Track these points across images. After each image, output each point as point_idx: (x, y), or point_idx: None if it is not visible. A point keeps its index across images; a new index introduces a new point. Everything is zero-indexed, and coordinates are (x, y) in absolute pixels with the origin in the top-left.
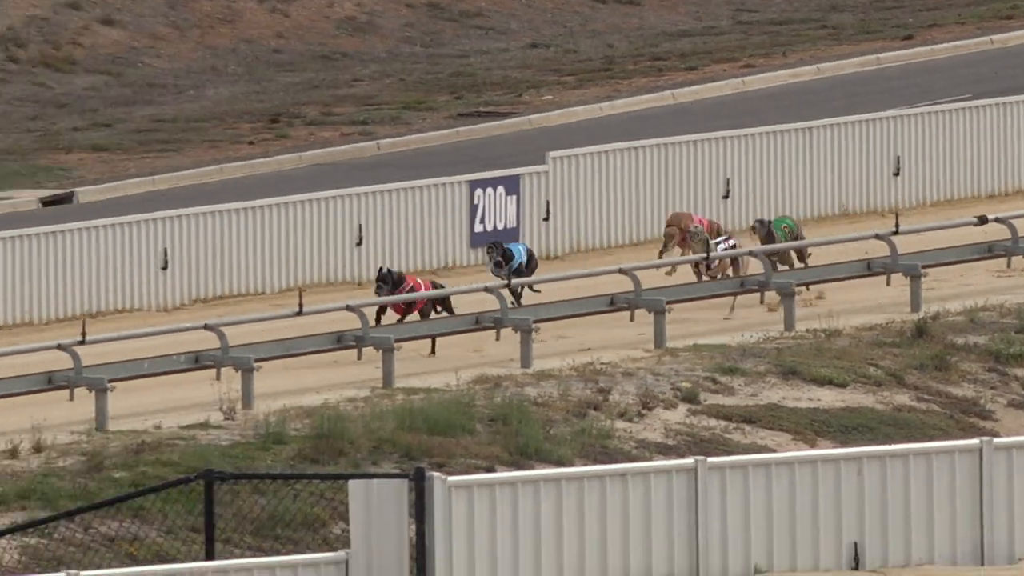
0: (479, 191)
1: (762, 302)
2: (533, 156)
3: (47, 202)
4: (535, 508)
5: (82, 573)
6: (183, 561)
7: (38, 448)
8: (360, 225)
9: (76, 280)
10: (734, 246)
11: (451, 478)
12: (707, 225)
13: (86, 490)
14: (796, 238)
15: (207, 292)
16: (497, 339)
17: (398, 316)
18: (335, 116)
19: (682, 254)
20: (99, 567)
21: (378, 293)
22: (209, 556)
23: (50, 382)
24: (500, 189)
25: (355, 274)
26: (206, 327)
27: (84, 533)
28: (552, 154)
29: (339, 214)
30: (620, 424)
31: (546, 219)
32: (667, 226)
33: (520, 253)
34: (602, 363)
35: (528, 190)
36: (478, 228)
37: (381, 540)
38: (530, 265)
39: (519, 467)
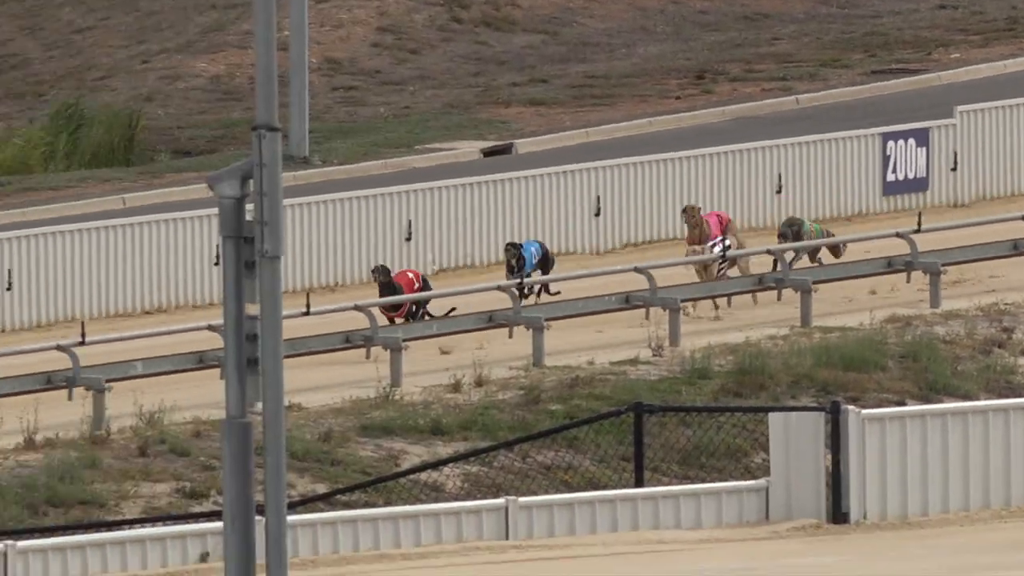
0: (891, 143)
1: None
2: (941, 110)
3: (488, 153)
4: (943, 440)
5: (520, 499)
6: (614, 488)
7: (479, 383)
8: (779, 175)
9: (513, 225)
10: (729, 247)
11: (865, 411)
12: (719, 221)
13: (524, 422)
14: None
15: (637, 237)
16: (908, 281)
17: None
18: (756, 73)
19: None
20: (535, 494)
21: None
22: (639, 483)
23: (490, 319)
24: (911, 141)
25: (773, 221)
26: (636, 270)
27: (522, 462)
28: (960, 108)
29: (759, 165)
30: (1023, 361)
31: (954, 169)
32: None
33: (531, 255)
34: (1006, 303)
35: (937, 142)
36: (890, 178)
37: (799, 469)
38: (545, 264)
39: (928, 401)
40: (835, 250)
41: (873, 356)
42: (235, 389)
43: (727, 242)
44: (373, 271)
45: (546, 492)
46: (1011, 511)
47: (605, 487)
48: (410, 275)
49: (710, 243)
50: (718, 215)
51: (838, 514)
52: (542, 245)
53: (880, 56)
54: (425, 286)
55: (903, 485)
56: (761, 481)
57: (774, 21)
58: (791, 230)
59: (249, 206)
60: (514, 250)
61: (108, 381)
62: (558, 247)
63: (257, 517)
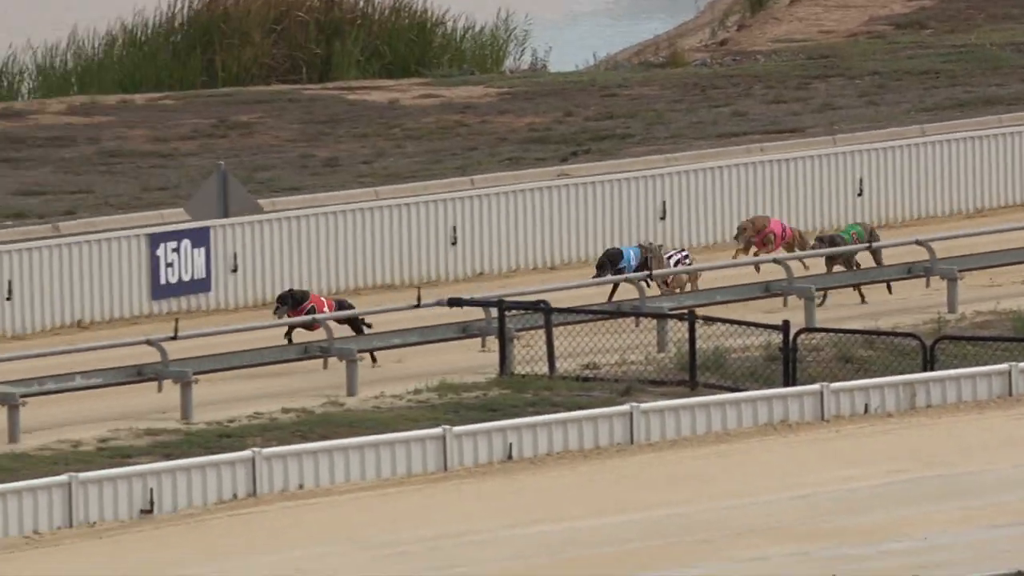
0: None
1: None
2: None
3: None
4: None
5: None
6: None
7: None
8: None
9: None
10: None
11: None
12: (784, 234)
13: None
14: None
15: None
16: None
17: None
18: None
19: (755, 255)
20: None
21: (276, 314)
22: None
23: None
24: None
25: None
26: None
27: None
28: None
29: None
30: None
31: None
32: (742, 230)
33: (630, 257)
34: None
35: None
36: None
37: None
38: (642, 267)
39: None
40: (877, 255)
41: None
42: None
43: (686, 256)
44: (278, 298)
45: None
46: None
47: None
48: (323, 299)
49: (668, 255)
50: (784, 227)
51: None
52: (642, 248)
53: None
54: (340, 309)
55: None
56: None
57: None
58: (822, 244)
59: None
60: (610, 252)
61: None
62: None
63: None
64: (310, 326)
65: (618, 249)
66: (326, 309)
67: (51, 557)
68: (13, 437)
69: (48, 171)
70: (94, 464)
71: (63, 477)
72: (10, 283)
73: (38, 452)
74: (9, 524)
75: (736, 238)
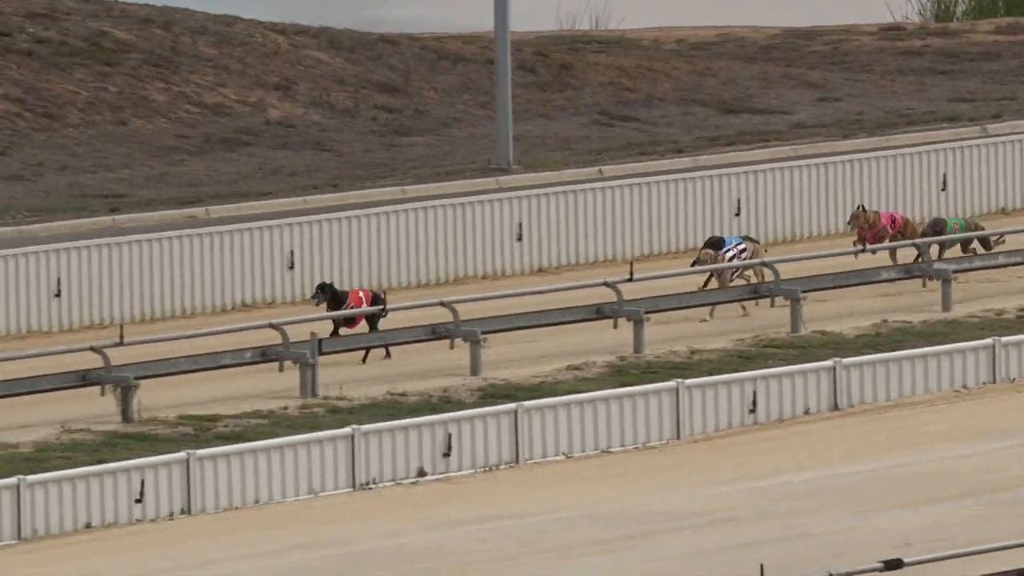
0: None
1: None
2: None
3: None
4: None
5: None
6: None
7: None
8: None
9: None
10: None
11: None
12: (893, 224)
13: None
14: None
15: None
16: None
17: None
18: None
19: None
20: None
21: (316, 303)
22: None
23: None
24: None
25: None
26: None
27: None
28: None
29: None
30: None
31: None
32: (855, 218)
33: (728, 242)
34: None
35: None
36: None
37: None
38: (740, 254)
39: None
40: (985, 242)
41: None
42: None
43: (743, 250)
44: (317, 287)
45: None
46: None
47: None
48: (360, 294)
49: (723, 251)
50: (892, 215)
51: None
52: (746, 239)
53: None
54: (376, 301)
55: None
56: None
57: None
58: (933, 230)
59: None
60: (713, 240)
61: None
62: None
63: None
64: (352, 321)
65: (720, 237)
66: (363, 304)
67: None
68: None
69: (977, 81)
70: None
71: (987, 340)
72: (520, 225)
73: (966, 319)
74: (941, 380)
75: (848, 223)
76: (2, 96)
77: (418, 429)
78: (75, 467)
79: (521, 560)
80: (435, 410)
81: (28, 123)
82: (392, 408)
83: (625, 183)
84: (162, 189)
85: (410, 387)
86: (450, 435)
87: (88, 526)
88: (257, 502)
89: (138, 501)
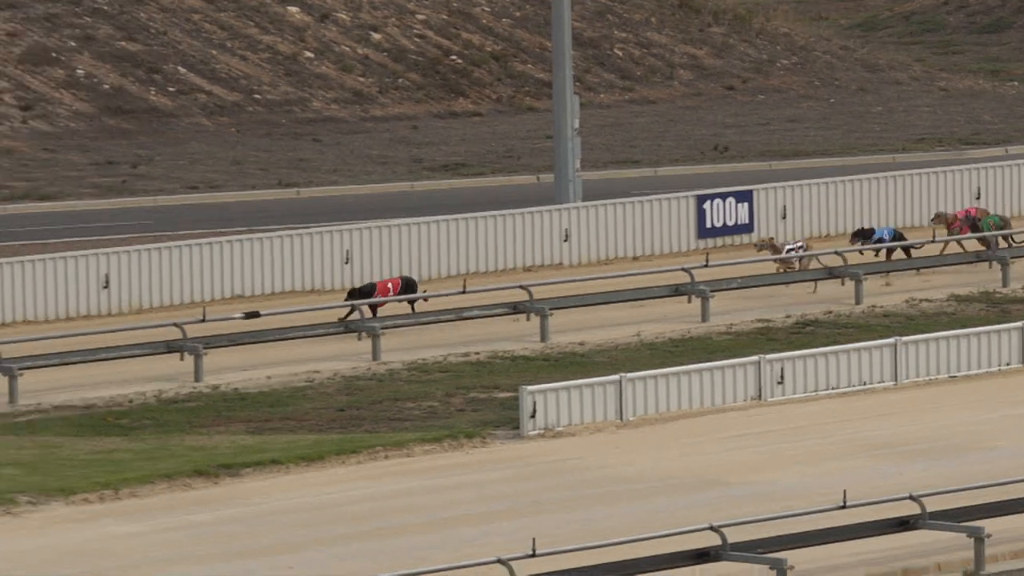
0: None
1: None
2: None
3: None
4: None
5: None
6: None
7: None
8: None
9: None
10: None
11: None
12: (967, 216)
13: None
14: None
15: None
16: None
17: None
18: None
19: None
20: None
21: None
22: None
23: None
24: None
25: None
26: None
27: None
28: None
29: None
30: None
31: None
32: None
33: (883, 238)
34: None
35: None
36: None
37: None
38: (893, 240)
39: None
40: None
41: None
42: None
43: (802, 246)
44: (348, 293)
45: None
46: None
47: None
48: (389, 285)
49: (788, 247)
50: (967, 210)
51: None
52: (896, 231)
53: None
54: (406, 289)
55: None
56: None
57: None
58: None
59: None
60: (864, 231)
61: None
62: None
63: None
64: (375, 307)
65: (871, 228)
66: (390, 291)
67: None
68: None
69: None
70: None
71: None
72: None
73: None
74: None
75: (932, 220)
76: None
77: None
78: None
79: None
80: None
81: None
82: None
83: None
84: None
85: None
86: None
87: None
88: None
89: None
